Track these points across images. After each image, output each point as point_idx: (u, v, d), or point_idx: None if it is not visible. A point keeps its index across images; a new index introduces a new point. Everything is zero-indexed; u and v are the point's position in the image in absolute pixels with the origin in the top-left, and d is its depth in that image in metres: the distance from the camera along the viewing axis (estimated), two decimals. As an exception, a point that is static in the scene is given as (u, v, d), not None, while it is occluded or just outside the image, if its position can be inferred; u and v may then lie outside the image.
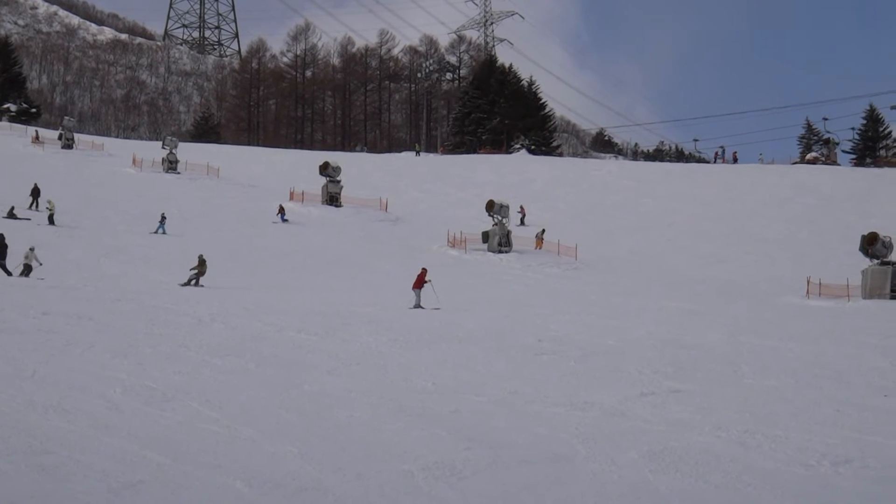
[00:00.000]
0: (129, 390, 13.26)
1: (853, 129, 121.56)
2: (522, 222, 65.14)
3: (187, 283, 34.00)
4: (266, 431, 11.39)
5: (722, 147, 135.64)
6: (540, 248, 55.82)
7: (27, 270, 33.02)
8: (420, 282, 31.97)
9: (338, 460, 10.30)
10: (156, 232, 48.29)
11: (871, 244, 42.62)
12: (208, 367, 15.71)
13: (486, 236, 54.80)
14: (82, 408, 11.89)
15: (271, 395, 13.73)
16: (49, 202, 48.32)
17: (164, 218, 49.37)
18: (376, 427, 12.06)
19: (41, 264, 33.03)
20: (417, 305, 31.09)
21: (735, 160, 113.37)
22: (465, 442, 11.35)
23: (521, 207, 67.26)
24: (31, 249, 33.50)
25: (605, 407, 13.93)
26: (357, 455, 10.57)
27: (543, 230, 57.77)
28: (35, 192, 51.00)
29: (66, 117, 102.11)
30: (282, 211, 59.40)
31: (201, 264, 34.64)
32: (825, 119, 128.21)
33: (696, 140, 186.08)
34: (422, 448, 11.00)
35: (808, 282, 41.74)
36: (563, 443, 11.59)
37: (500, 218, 55.38)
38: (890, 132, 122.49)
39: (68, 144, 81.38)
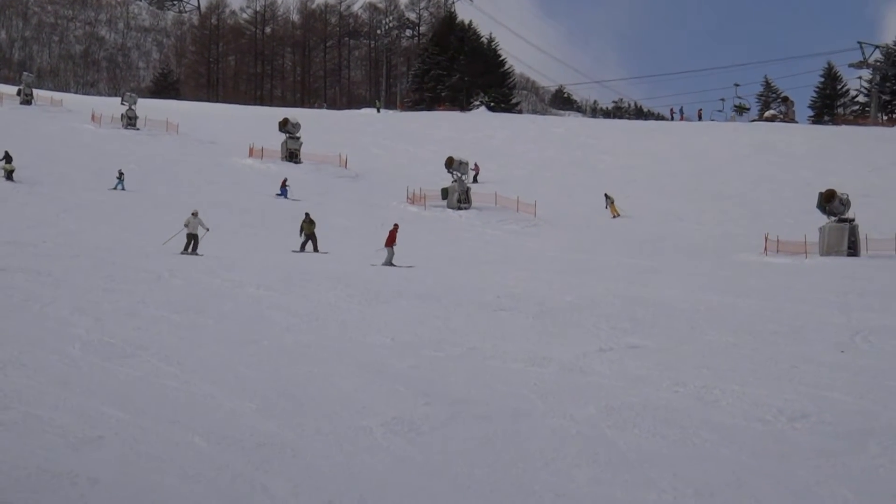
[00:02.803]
0: (88, 346, 13.20)
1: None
2: (475, 180, 64.89)
3: (301, 250, 33.45)
4: (225, 387, 11.38)
5: (681, 106, 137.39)
6: (617, 216, 55.07)
7: (193, 244, 30.43)
8: (392, 239, 31.63)
9: (297, 416, 10.31)
10: (115, 188, 47.90)
11: (828, 201, 42.93)
12: (167, 322, 15.66)
13: (445, 193, 54.78)
14: (40, 363, 11.83)
15: (230, 350, 13.71)
16: (4, 164, 47.41)
17: (121, 174, 48.92)
18: (335, 383, 12.07)
19: (208, 230, 31.64)
20: (389, 263, 30.71)
21: (699, 118, 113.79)
22: (423, 397, 11.38)
23: (476, 165, 66.98)
24: (194, 214, 31.37)
25: (563, 363, 14.00)
26: (316, 410, 10.57)
27: (607, 195, 57.21)
28: (7, 158, 48.89)
29: (25, 73, 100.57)
30: (285, 185, 53.19)
31: (309, 223, 33.73)
32: (737, 85, 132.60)
33: (616, 101, 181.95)
34: (381, 404, 11.03)
35: (766, 239, 42.02)
36: (522, 398, 11.64)
37: (459, 174, 55.42)
38: (848, 90, 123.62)
39: (27, 100, 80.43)
